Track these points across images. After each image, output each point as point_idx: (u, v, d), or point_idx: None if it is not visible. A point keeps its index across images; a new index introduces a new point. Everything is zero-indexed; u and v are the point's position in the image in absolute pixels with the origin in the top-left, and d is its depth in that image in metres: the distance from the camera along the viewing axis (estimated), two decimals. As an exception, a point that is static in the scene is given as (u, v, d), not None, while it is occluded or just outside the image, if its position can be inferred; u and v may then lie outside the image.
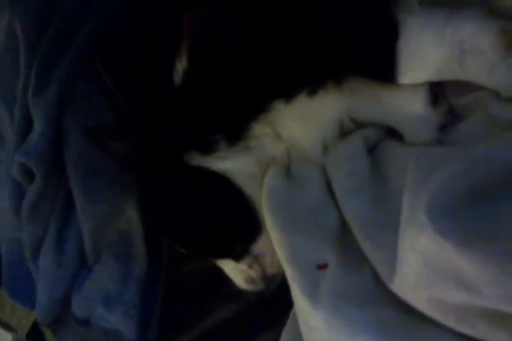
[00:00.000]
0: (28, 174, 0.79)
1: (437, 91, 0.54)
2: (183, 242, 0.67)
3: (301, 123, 0.57)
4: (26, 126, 0.79)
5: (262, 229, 0.61)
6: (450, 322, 0.45)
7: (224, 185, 0.60)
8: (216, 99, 0.57)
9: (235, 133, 0.58)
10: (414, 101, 0.54)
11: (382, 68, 0.52)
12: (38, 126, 0.76)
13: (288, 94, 0.54)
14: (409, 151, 0.54)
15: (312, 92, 0.54)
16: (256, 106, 0.56)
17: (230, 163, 0.60)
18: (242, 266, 0.65)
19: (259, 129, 0.58)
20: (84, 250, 0.81)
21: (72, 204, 0.79)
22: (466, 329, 0.44)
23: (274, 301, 0.66)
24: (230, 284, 0.70)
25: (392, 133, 0.59)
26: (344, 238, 0.55)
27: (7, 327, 1.13)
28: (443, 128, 0.55)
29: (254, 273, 0.65)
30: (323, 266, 0.53)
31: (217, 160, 0.59)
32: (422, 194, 0.45)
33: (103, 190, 0.75)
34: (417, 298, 0.46)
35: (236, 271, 0.66)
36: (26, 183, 0.81)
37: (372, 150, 0.59)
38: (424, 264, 0.44)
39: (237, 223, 0.62)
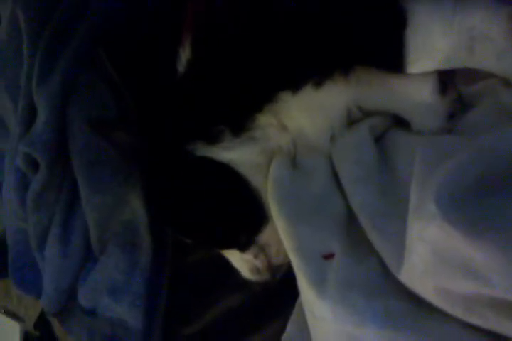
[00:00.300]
0: (33, 164, 0.79)
1: (446, 79, 0.54)
2: (188, 233, 0.66)
3: (307, 114, 0.57)
4: (30, 115, 0.79)
5: (267, 219, 0.61)
6: (458, 312, 0.44)
7: (229, 175, 0.60)
8: (220, 89, 0.56)
9: (240, 124, 0.57)
10: (422, 90, 0.54)
11: (390, 58, 0.51)
12: (42, 115, 0.76)
13: (294, 85, 0.54)
14: (417, 140, 0.54)
15: (319, 83, 0.54)
16: (261, 97, 0.55)
17: (235, 153, 0.59)
18: (248, 256, 0.65)
19: (264, 120, 0.57)
20: (89, 240, 0.81)
21: (78, 195, 0.79)
22: (474, 320, 0.44)
23: (279, 291, 0.66)
24: (236, 274, 0.70)
25: (400, 122, 0.58)
26: (351, 227, 0.55)
27: (15, 316, 1.14)
28: (451, 116, 0.54)
29: (259, 263, 0.64)
30: (329, 256, 0.53)
31: (222, 150, 0.59)
32: (430, 183, 0.45)
33: (107, 179, 0.75)
34: (425, 287, 0.46)
35: (242, 261, 0.66)
36: (31, 173, 0.81)
37: (379, 139, 0.59)
38: (432, 253, 0.44)
39: (242, 213, 0.62)
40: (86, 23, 0.76)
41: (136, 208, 0.76)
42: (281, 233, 0.58)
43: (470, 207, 0.42)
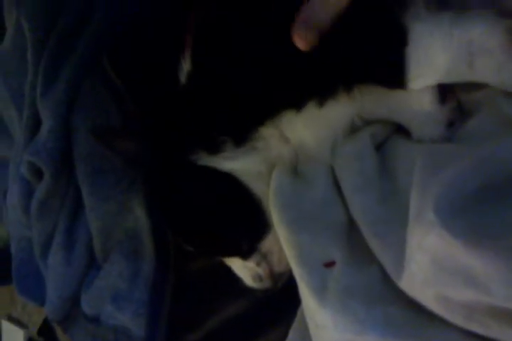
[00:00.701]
0: (37, 172, 0.79)
1: (446, 87, 0.54)
2: (190, 241, 0.66)
3: (311, 130, 0.57)
4: (35, 124, 0.79)
5: (269, 226, 0.61)
6: (458, 321, 0.44)
7: (230, 183, 0.60)
8: (220, 103, 0.56)
9: (242, 135, 0.58)
10: (421, 99, 0.54)
11: (391, 76, 0.51)
12: (46, 124, 0.76)
13: (296, 105, 0.54)
14: (417, 149, 0.54)
15: (321, 102, 0.54)
16: (263, 113, 0.56)
17: (237, 163, 0.59)
18: (250, 263, 0.65)
19: (267, 131, 0.57)
20: (93, 248, 0.81)
21: (81, 203, 0.79)
22: (475, 327, 0.44)
23: (282, 298, 0.66)
24: (238, 282, 0.70)
25: (400, 129, 0.59)
26: (352, 235, 0.55)
27: (19, 323, 1.14)
28: (451, 125, 0.54)
29: (262, 270, 0.65)
30: (330, 264, 0.53)
31: (224, 160, 0.59)
32: (430, 192, 0.45)
33: (111, 187, 0.75)
34: (425, 296, 0.46)
35: (244, 269, 0.66)
36: (35, 182, 0.81)
37: (380, 146, 0.59)
38: (432, 262, 0.44)
39: (244, 221, 0.62)
40: (90, 31, 0.76)
41: (139, 216, 0.76)
42: (282, 241, 0.58)
43: (469, 215, 0.42)
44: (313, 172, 0.60)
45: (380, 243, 0.51)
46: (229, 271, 0.68)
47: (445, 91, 0.54)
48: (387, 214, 0.52)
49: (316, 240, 0.55)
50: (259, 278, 0.65)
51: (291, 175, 0.61)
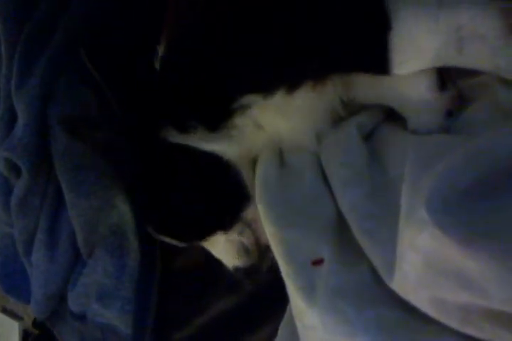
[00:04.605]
0: (15, 169, 0.78)
1: (444, 74, 0.51)
2: (170, 226, 0.64)
3: (284, 117, 0.55)
4: (11, 119, 0.77)
5: (249, 197, 0.59)
6: (453, 324, 0.42)
7: (206, 157, 0.58)
8: (186, 87, 0.54)
9: (212, 122, 0.55)
10: (419, 85, 0.50)
11: (374, 63, 0.48)
12: (21, 119, 0.74)
13: (262, 90, 0.51)
14: (409, 139, 0.51)
15: (290, 91, 0.51)
16: (229, 98, 0.53)
17: (213, 146, 0.57)
18: (233, 235, 0.62)
19: (240, 120, 0.55)
20: (77, 244, 0.79)
21: (63, 200, 0.77)
22: (470, 330, 0.42)
23: (271, 295, 0.64)
24: (227, 278, 0.68)
25: (390, 118, 0.56)
26: (341, 231, 0.52)
27: (13, 315, 1.13)
28: (450, 114, 0.51)
29: (246, 240, 0.62)
30: (318, 262, 0.51)
31: (198, 140, 0.57)
32: (422, 187, 0.42)
33: (91, 183, 0.73)
34: (419, 297, 0.44)
35: (227, 244, 0.62)
36: (13, 178, 0.79)
37: (368, 136, 0.56)
38: (424, 263, 0.42)
39: (223, 191, 0.60)
40: (65, 25, 0.74)
41: (123, 212, 0.75)
42: (269, 238, 0.56)
43: (463, 212, 0.40)
44: (301, 164, 0.58)
45: (369, 240, 0.48)
46: (217, 267, 0.65)
47: (444, 79, 0.51)
48: (377, 209, 0.49)
49: (304, 237, 0.53)
50: (245, 250, 0.62)
51: (277, 166, 0.58)
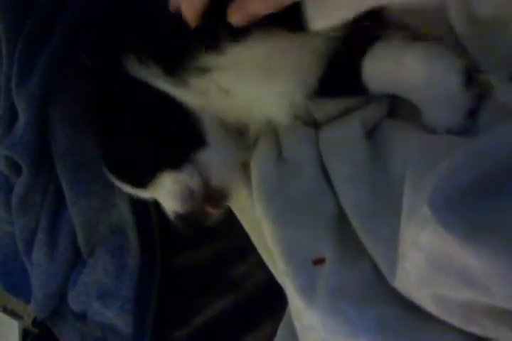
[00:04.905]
0: (15, 167, 0.77)
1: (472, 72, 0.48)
2: (121, 160, 0.63)
3: (248, 82, 0.53)
4: (11, 117, 0.76)
5: (206, 140, 0.57)
6: (456, 321, 0.42)
7: (162, 95, 0.57)
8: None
9: (170, 65, 0.55)
10: (449, 79, 0.48)
11: (288, 18, 0.46)
12: (22, 117, 0.73)
13: (210, 44, 0.50)
14: (412, 137, 0.51)
15: (236, 39, 0.49)
16: (184, 54, 0.53)
17: (174, 91, 0.57)
18: (182, 175, 0.58)
19: (201, 83, 0.54)
20: (77, 244, 0.79)
21: (63, 198, 0.77)
22: (472, 328, 0.42)
23: (271, 294, 0.63)
24: (227, 277, 0.69)
25: (394, 112, 0.55)
26: (342, 229, 0.52)
27: (13, 314, 1.13)
28: (471, 113, 0.49)
29: (194, 183, 0.58)
30: (319, 261, 0.50)
31: (157, 79, 0.56)
32: (425, 185, 0.42)
33: (91, 182, 0.73)
34: (421, 295, 0.44)
35: (174, 186, 0.59)
36: (14, 176, 0.79)
37: (371, 131, 0.55)
38: (427, 260, 0.41)
39: (176, 131, 0.58)
40: (65, 23, 0.73)
41: (123, 211, 0.74)
42: (267, 236, 0.54)
43: (466, 210, 0.39)
44: (300, 158, 0.56)
45: (371, 238, 0.48)
46: (217, 266, 0.66)
47: (471, 74, 0.48)
48: (379, 206, 0.49)
49: (304, 235, 0.52)
50: (190, 195, 0.58)
51: (276, 160, 0.57)
